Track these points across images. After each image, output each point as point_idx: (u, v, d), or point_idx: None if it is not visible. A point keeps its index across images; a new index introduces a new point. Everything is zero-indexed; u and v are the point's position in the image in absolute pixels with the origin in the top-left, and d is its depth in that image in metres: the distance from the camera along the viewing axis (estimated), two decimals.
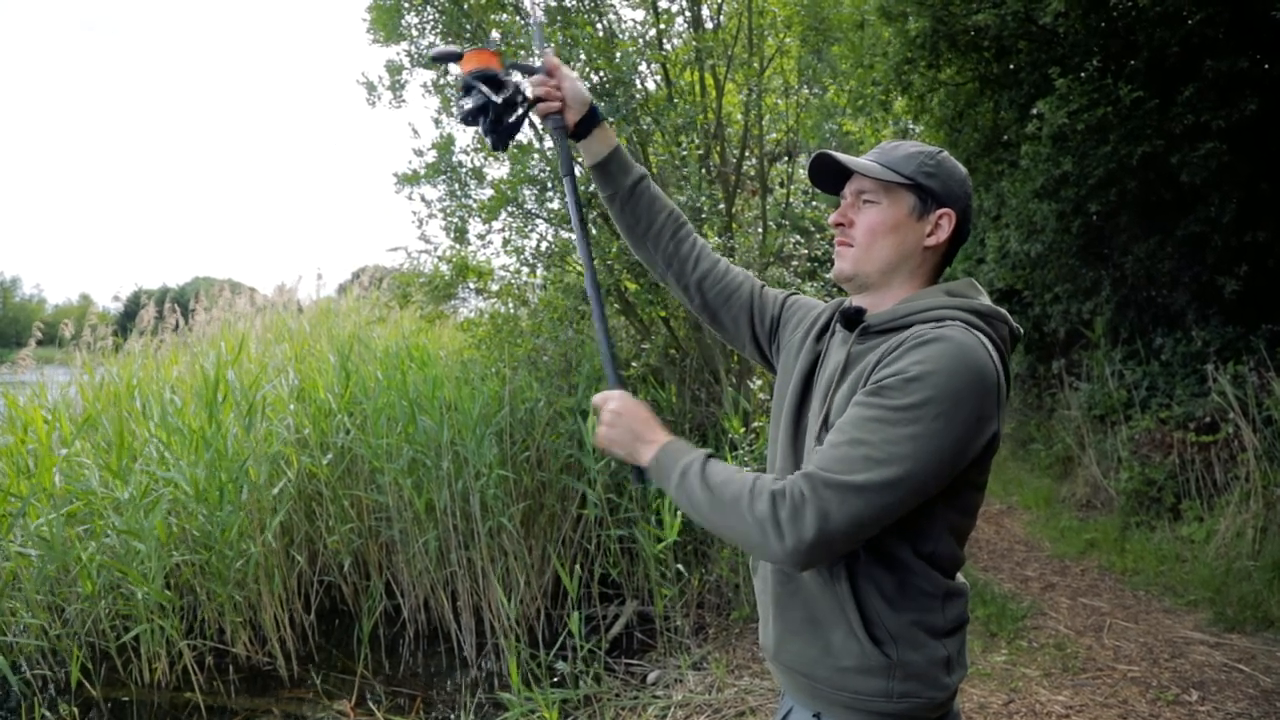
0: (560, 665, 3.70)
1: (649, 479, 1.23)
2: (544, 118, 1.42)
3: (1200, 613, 3.88)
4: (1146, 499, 5.06)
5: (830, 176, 1.28)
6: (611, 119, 4.76)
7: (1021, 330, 1.25)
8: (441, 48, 1.40)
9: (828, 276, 5.20)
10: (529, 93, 1.40)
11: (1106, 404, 5.96)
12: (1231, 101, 4.87)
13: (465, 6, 5.11)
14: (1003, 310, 1.20)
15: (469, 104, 1.33)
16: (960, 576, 1.24)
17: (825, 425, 1.18)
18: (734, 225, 5.53)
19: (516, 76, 1.40)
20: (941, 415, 1.03)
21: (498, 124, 1.34)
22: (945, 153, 1.24)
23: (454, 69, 1.35)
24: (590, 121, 1.43)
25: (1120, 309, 6.27)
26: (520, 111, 1.36)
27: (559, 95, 1.41)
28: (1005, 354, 1.18)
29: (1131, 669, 3.35)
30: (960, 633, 1.20)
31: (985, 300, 1.21)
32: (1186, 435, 4.95)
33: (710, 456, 1.19)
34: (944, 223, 1.21)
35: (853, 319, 1.23)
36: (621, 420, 1.25)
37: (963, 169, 1.25)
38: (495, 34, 5.24)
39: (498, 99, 1.32)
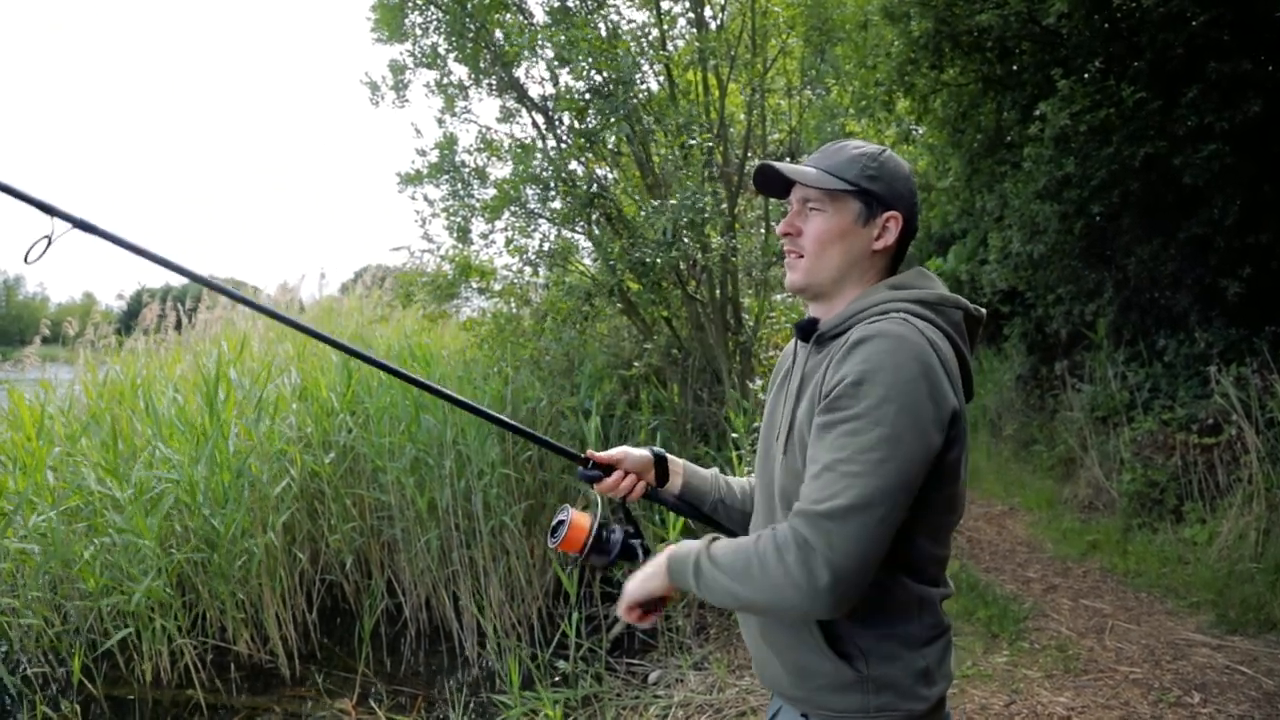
0: (561, 665, 3.70)
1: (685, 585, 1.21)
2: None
3: (1202, 615, 3.88)
4: (1149, 501, 5.05)
5: (778, 182, 1.25)
6: (611, 117, 4.77)
7: (983, 311, 1.23)
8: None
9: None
10: (614, 499, 1.41)
11: (1109, 405, 5.95)
12: (1234, 103, 4.86)
13: (469, 7, 5.12)
14: (953, 296, 1.18)
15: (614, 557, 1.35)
16: (948, 581, 1.20)
17: (789, 436, 1.16)
18: (736, 225, 5.53)
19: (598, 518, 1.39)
20: (902, 409, 1.02)
21: (638, 553, 1.36)
22: (889, 152, 1.21)
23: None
24: (662, 465, 1.43)
25: (1123, 310, 6.26)
26: (632, 532, 1.37)
27: (635, 481, 1.40)
28: (958, 338, 1.16)
29: (1133, 671, 3.34)
30: (940, 640, 1.16)
31: (935, 289, 1.18)
32: (1189, 437, 4.94)
33: (711, 541, 1.17)
34: (891, 225, 1.19)
35: (807, 330, 1.22)
36: (636, 592, 1.25)
37: (906, 166, 1.22)
38: (498, 33, 5.27)
39: (628, 559, 1.34)
